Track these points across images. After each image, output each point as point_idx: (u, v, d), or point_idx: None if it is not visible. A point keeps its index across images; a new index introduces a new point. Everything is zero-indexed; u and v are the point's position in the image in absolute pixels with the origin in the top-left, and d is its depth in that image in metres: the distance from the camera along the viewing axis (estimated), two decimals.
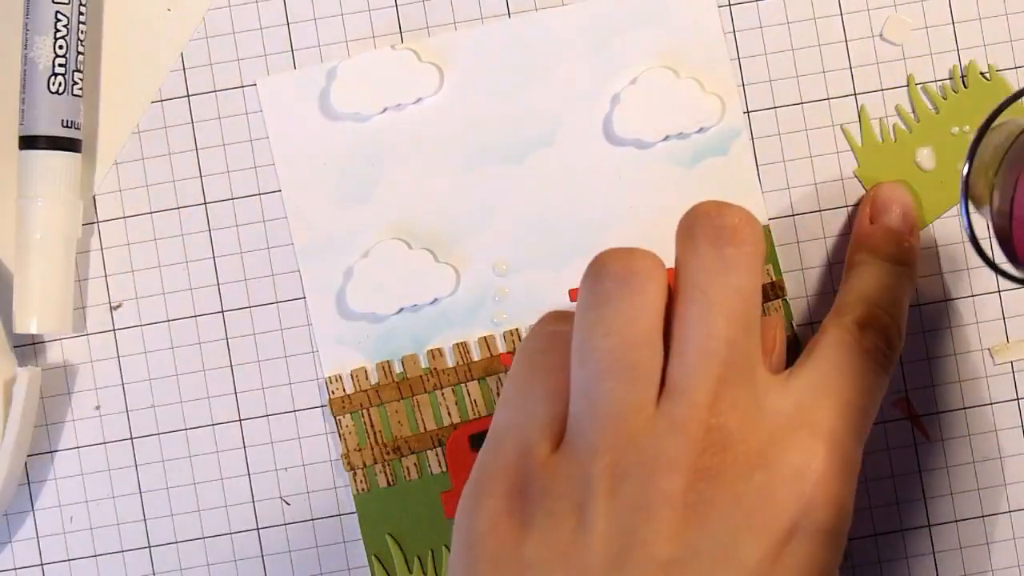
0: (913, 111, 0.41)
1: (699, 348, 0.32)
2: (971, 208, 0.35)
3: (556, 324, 0.35)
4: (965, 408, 0.41)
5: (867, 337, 0.35)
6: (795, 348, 0.41)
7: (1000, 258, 0.34)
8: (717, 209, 0.33)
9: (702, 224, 0.33)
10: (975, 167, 0.35)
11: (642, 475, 0.31)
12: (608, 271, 0.33)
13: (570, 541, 0.31)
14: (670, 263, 0.40)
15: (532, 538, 0.32)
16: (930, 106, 0.41)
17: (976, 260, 0.41)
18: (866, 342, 0.35)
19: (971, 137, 0.35)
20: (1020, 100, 0.34)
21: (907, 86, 0.41)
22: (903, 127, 0.41)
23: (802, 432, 0.32)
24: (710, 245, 0.33)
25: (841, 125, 0.41)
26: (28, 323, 0.39)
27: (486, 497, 0.33)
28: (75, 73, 0.40)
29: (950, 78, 0.41)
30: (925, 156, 0.41)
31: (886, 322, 0.36)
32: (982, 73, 0.41)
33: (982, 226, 0.36)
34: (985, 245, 0.37)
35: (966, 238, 0.36)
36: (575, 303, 0.34)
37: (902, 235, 0.39)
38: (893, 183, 0.41)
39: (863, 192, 0.41)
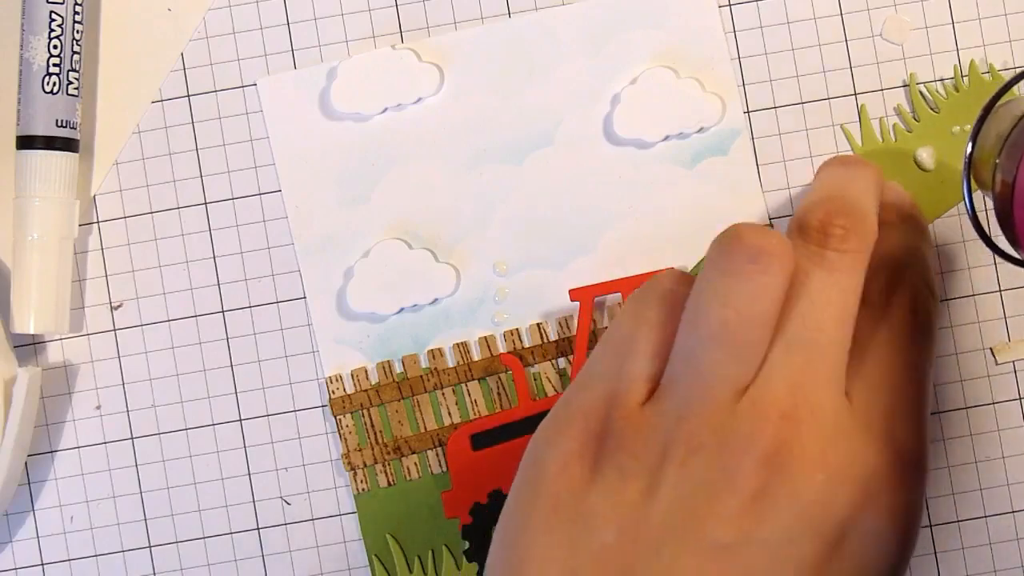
0: (913, 111, 0.40)
1: (795, 336, 0.31)
2: (976, 190, 0.35)
3: (673, 284, 0.34)
4: (967, 408, 0.40)
5: (899, 306, 0.34)
6: None
7: (1003, 243, 0.33)
8: (828, 211, 0.33)
9: (812, 224, 0.33)
10: (982, 150, 0.34)
11: (714, 453, 0.30)
12: (742, 245, 0.31)
13: (634, 502, 0.31)
14: (670, 263, 0.39)
15: (597, 488, 0.31)
16: (930, 106, 0.40)
17: (977, 259, 0.40)
18: (900, 312, 0.34)
19: (975, 118, 0.35)
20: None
21: (907, 86, 0.40)
22: (903, 127, 0.40)
23: (863, 435, 0.31)
24: (819, 245, 0.32)
25: (842, 125, 0.40)
26: (25, 322, 0.38)
27: (563, 437, 0.32)
28: (70, 73, 0.39)
29: (951, 77, 0.40)
30: (925, 156, 0.40)
31: (914, 281, 0.34)
32: (983, 73, 0.40)
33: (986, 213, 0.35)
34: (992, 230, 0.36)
35: (968, 218, 0.35)
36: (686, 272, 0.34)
37: (904, 203, 0.37)
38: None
39: None
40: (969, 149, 0.34)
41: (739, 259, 0.31)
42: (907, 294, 0.34)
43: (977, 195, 0.38)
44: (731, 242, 0.32)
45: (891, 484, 0.31)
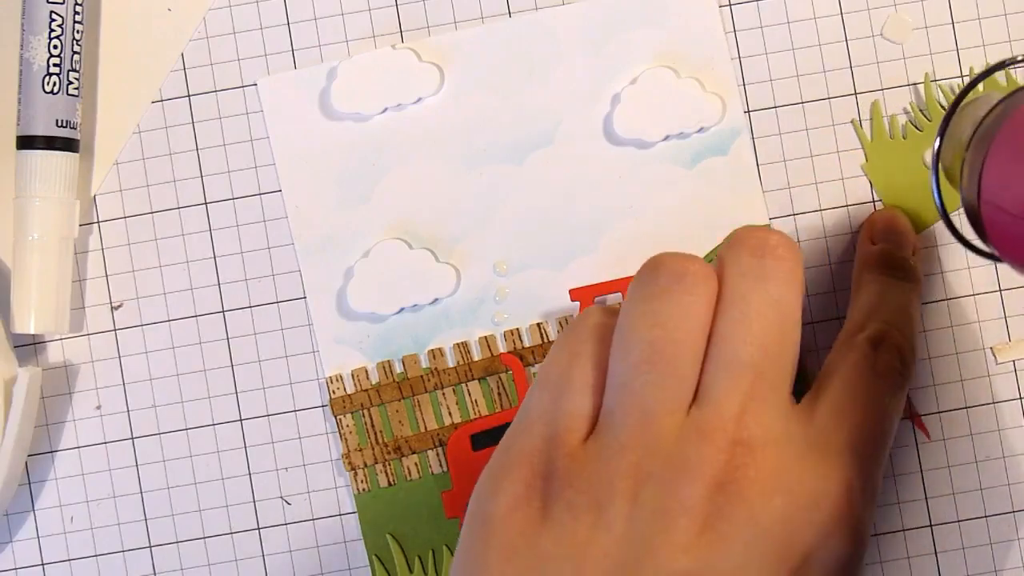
0: (925, 110, 0.40)
1: (733, 356, 0.31)
2: (953, 186, 0.35)
3: (604, 317, 0.33)
4: (967, 407, 0.40)
5: (881, 359, 0.34)
6: None
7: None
8: (762, 229, 0.33)
9: (745, 238, 0.33)
10: (951, 145, 0.35)
11: (664, 480, 0.30)
12: (664, 268, 0.32)
13: (586, 539, 0.30)
14: None
15: (549, 530, 0.30)
16: (941, 105, 0.40)
17: (977, 259, 0.40)
18: (880, 364, 0.34)
19: (943, 114, 0.35)
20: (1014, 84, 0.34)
21: (921, 84, 0.40)
22: (913, 125, 0.40)
23: (821, 459, 0.31)
24: (751, 255, 0.32)
25: (852, 120, 0.40)
26: (25, 322, 0.38)
27: (507, 481, 0.31)
28: (71, 73, 0.38)
29: (955, 77, 0.40)
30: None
31: (899, 340, 0.35)
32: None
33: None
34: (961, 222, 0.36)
35: (939, 215, 0.36)
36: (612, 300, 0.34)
37: (905, 253, 0.38)
38: (889, 208, 0.40)
39: (863, 190, 0.40)
40: (937, 144, 0.35)
41: (663, 282, 0.31)
42: (894, 351, 0.34)
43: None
44: (652, 268, 0.32)
45: (852, 508, 0.31)
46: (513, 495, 0.31)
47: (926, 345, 0.40)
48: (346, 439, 0.40)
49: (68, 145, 0.38)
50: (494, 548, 0.31)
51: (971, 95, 0.35)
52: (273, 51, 0.40)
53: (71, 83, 0.38)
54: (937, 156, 0.35)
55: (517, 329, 0.40)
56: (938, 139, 0.35)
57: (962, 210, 0.34)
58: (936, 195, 0.35)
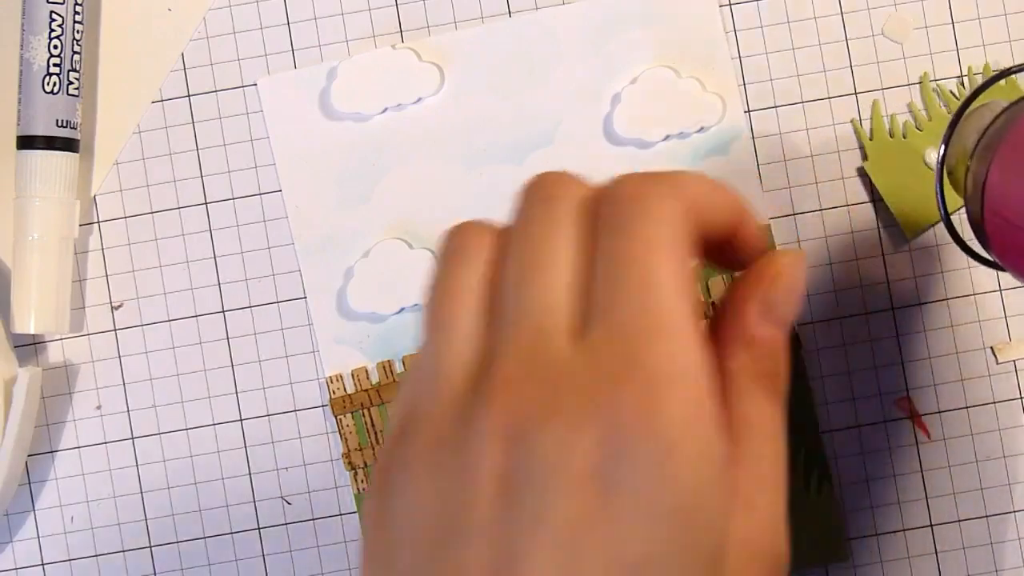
0: (925, 109, 0.40)
1: (515, 279, 0.26)
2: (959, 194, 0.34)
3: None
4: (967, 407, 0.40)
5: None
6: (795, 348, 0.40)
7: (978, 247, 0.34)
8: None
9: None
10: (956, 152, 0.34)
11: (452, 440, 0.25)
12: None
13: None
14: None
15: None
16: (941, 105, 0.40)
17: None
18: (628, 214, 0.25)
19: (949, 119, 0.35)
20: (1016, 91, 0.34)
21: (919, 83, 0.40)
22: (914, 125, 0.40)
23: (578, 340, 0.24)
24: (536, 194, 0.26)
25: (852, 120, 0.40)
26: (25, 322, 0.38)
27: None
28: (71, 73, 0.38)
29: (954, 77, 0.40)
30: (935, 155, 0.39)
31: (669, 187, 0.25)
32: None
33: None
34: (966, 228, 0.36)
35: (942, 221, 0.36)
36: None
37: None
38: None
39: (863, 191, 0.40)
40: (942, 151, 0.35)
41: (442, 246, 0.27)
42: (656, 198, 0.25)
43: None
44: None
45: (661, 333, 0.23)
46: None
47: (926, 345, 0.40)
48: (346, 439, 0.40)
49: (68, 145, 0.38)
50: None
51: (976, 102, 0.35)
52: (273, 51, 0.40)
53: (71, 83, 0.38)
54: (941, 164, 0.35)
55: None
56: (943, 146, 0.35)
57: (963, 212, 0.34)
58: (940, 205, 0.35)
